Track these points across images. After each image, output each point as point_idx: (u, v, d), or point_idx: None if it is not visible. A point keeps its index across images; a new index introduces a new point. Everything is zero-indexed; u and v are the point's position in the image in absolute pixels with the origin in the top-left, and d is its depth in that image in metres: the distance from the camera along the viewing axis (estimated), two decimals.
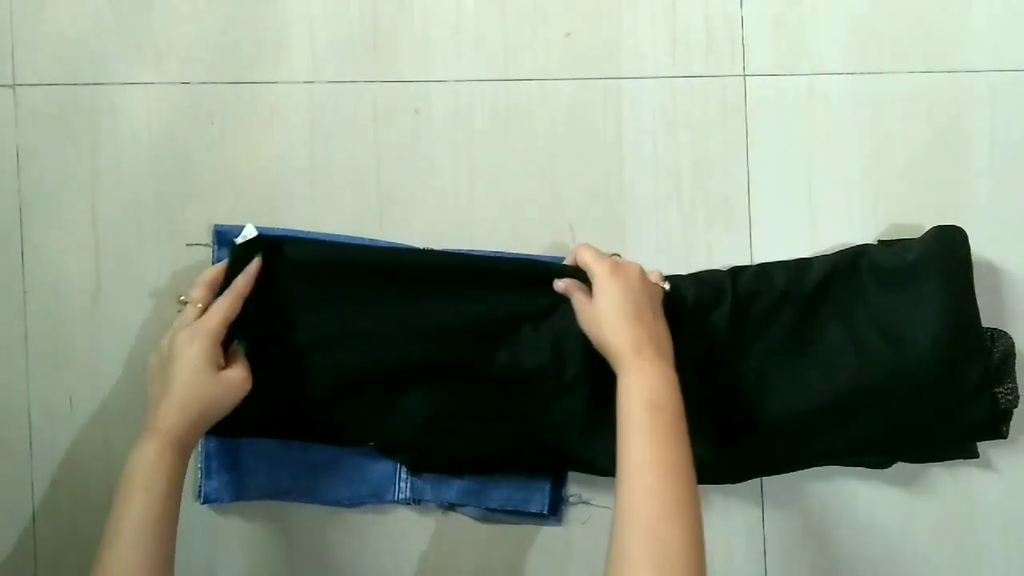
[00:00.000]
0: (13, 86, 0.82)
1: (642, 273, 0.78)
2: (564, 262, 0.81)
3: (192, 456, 0.80)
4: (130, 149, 0.82)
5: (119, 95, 0.82)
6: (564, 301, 0.79)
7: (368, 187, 0.83)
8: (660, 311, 0.77)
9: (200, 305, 0.74)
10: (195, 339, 0.71)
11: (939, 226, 0.81)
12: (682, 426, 0.70)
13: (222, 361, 0.73)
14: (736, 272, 0.82)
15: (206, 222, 0.82)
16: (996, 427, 0.81)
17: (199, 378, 0.71)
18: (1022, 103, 0.85)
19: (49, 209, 0.82)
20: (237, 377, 0.73)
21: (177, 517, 0.69)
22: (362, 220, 0.83)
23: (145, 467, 0.68)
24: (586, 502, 0.83)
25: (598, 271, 0.76)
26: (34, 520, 0.82)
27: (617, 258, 0.79)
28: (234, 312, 0.74)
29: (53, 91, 0.82)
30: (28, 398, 0.82)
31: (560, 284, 0.79)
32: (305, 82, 0.83)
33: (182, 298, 0.76)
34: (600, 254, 0.78)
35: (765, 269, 0.82)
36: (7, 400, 0.81)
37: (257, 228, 0.78)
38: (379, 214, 0.83)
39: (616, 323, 0.74)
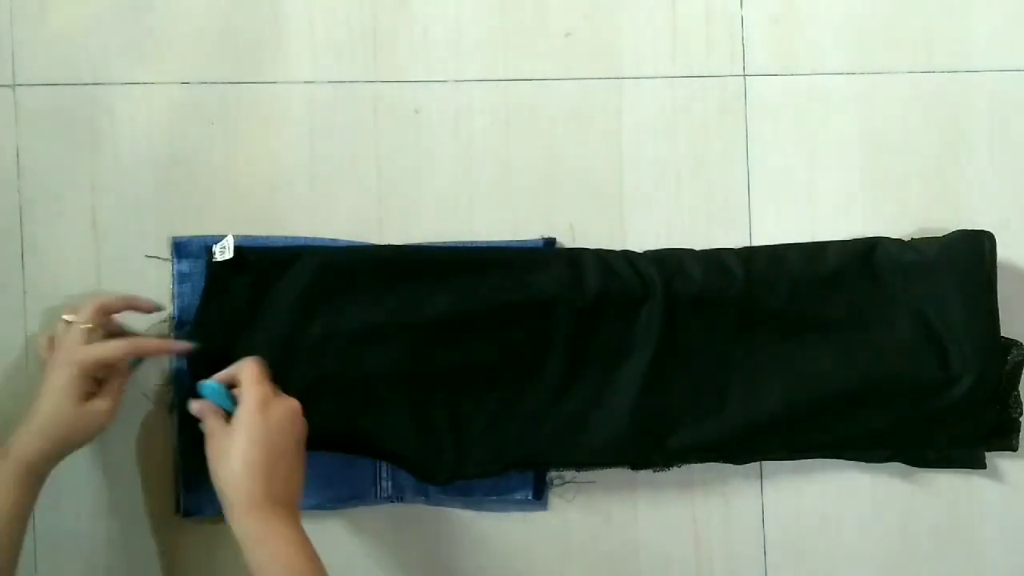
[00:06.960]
0: (13, 86, 0.82)
1: (295, 415, 0.71)
2: (225, 371, 0.74)
3: (169, 468, 0.80)
4: (130, 149, 0.82)
5: (119, 95, 0.82)
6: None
7: (368, 187, 0.83)
8: (303, 457, 0.71)
9: (85, 327, 0.72)
10: (66, 367, 0.71)
11: (965, 229, 0.81)
12: None
13: (92, 388, 0.72)
14: (748, 254, 0.82)
15: (205, 222, 0.82)
16: (1006, 438, 0.81)
17: (62, 408, 0.70)
18: (1022, 103, 0.85)
19: (49, 209, 0.82)
20: (99, 409, 0.72)
21: (20, 542, 0.69)
22: (362, 220, 0.83)
23: None
24: (569, 481, 0.83)
25: (246, 399, 0.70)
26: (34, 520, 0.82)
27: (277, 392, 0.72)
28: (120, 359, 0.73)
29: (53, 91, 0.82)
30: (28, 398, 0.81)
31: (195, 406, 0.73)
32: (305, 82, 0.83)
33: (66, 317, 0.74)
34: (262, 379, 0.71)
35: (779, 253, 0.82)
36: (7, 400, 0.81)
37: (236, 238, 0.78)
38: (379, 214, 0.83)
39: (237, 470, 0.67)
